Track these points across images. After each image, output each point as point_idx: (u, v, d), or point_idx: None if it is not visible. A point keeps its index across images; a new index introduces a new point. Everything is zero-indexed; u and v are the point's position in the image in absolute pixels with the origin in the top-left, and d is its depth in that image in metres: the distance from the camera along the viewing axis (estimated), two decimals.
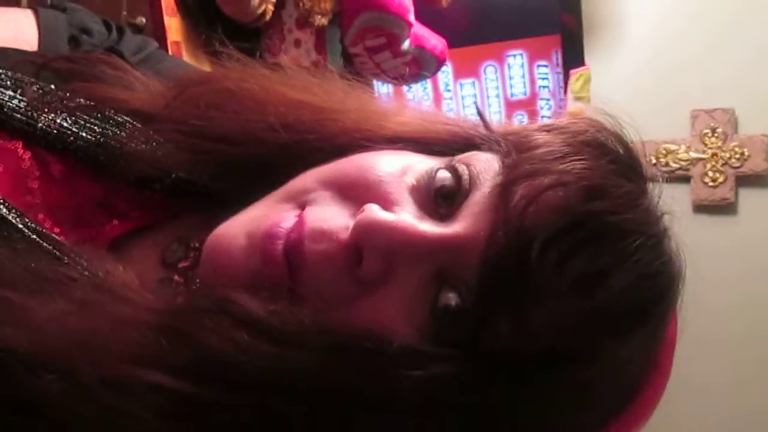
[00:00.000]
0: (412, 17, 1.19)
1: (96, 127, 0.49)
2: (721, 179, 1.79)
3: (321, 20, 1.14)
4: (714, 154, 1.79)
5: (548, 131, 0.43)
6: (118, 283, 0.40)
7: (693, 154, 1.80)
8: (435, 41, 1.25)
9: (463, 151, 0.44)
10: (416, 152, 0.45)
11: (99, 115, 0.49)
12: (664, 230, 0.42)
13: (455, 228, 0.39)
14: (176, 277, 0.46)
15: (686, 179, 1.80)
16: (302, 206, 0.41)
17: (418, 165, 0.43)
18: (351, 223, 0.39)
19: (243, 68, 0.51)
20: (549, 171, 0.39)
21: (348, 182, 0.41)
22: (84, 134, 0.48)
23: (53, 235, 0.44)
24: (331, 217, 0.40)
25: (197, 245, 0.47)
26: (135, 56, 0.58)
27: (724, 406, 1.75)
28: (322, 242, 0.39)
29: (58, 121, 0.48)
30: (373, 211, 0.39)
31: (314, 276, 0.39)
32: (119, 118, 0.49)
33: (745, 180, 1.78)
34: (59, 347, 0.36)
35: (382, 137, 0.46)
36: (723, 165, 1.79)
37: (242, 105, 0.48)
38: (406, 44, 1.21)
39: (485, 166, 0.41)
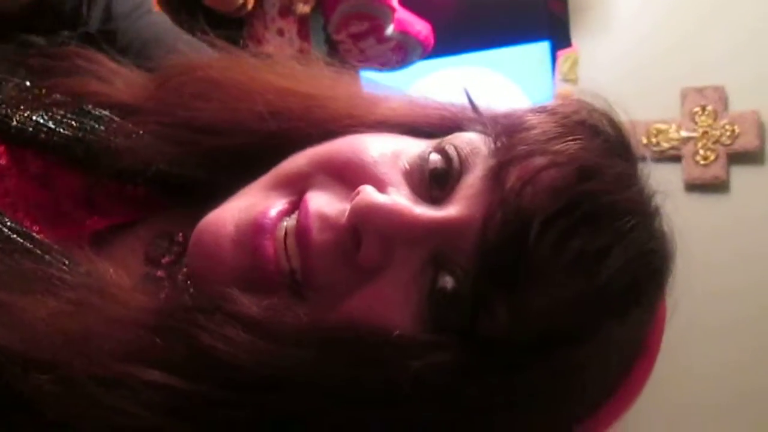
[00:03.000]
0: (395, 2, 1.18)
1: (74, 123, 0.48)
2: (712, 158, 1.78)
3: (304, 8, 1.13)
4: (705, 133, 1.78)
5: (539, 113, 0.43)
6: (108, 283, 0.40)
7: (684, 134, 1.79)
8: (419, 26, 1.25)
9: (451, 133, 0.44)
10: (406, 135, 0.45)
11: (77, 111, 0.48)
12: (655, 209, 0.42)
13: (450, 211, 0.39)
14: (160, 273, 0.45)
15: (678, 159, 1.79)
16: (298, 192, 0.41)
17: (410, 148, 0.42)
18: (347, 206, 0.39)
19: (227, 57, 0.51)
20: (544, 152, 0.39)
21: (342, 163, 0.41)
22: (61, 130, 0.47)
23: (33, 233, 0.43)
24: (330, 201, 0.40)
25: (181, 240, 0.46)
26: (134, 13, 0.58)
27: (716, 389, 1.74)
28: (325, 231, 0.39)
29: (35, 118, 0.47)
30: (369, 193, 0.38)
31: (318, 266, 0.38)
32: (97, 113, 0.49)
33: (737, 157, 1.78)
34: (52, 347, 0.36)
35: (371, 122, 0.46)
36: (714, 143, 1.78)
37: (228, 94, 0.47)
38: (390, 30, 1.20)
39: (473, 147, 0.41)
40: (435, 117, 0.47)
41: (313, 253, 0.38)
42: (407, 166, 0.41)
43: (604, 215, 0.38)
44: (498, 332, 0.37)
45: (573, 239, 0.37)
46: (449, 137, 0.42)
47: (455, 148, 0.41)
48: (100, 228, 0.48)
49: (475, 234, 0.38)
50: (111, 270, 0.41)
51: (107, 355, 0.36)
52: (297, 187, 0.41)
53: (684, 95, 1.79)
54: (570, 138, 0.40)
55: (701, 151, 1.79)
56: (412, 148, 0.42)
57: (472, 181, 0.40)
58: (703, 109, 1.78)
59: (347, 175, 0.41)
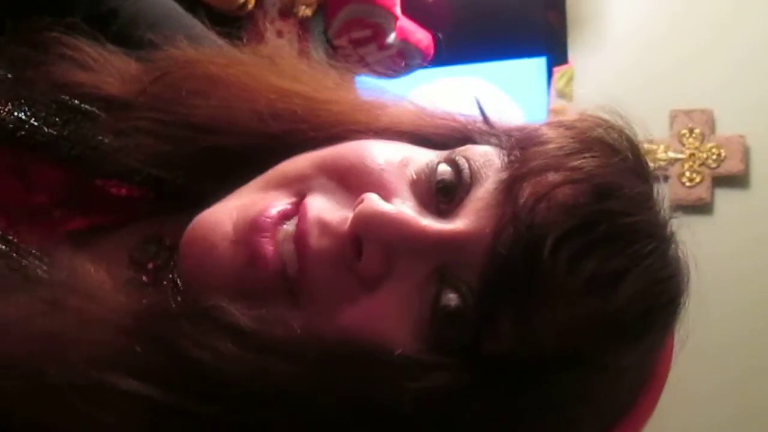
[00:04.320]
0: (398, 10, 1.18)
1: (58, 119, 0.46)
2: (698, 179, 1.80)
3: (305, 11, 1.13)
4: (692, 155, 1.80)
5: (556, 127, 0.41)
6: (88, 284, 0.38)
7: (671, 154, 1.81)
8: (420, 35, 1.25)
9: (461, 145, 0.42)
10: (413, 144, 0.43)
11: (62, 106, 0.46)
12: (671, 234, 0.41)
13: (457, 224, 0.37)
14: (144, 278, 0.43)
15: (664, 179, 1.81)
16: (298, 194, 0.39)
17: (417, 157, 0.41)
18: (350, 213, 0.37)
19: (228, 54, 0.49)
20: (559, 167, 0.37)
21: (346, 168, 0.39)
22: (45, 128, 0.45)
23: (9, 236, 0.41)
24: (331, 207, 0.38)
25: (168, 243, 0.44)
26: None
27: (700, 412, 1.75)
28: (325, 237, 0.37)
29: (16, 113, 0.45)
30: (373, 201, 0.37)
31: (315, 274, 0.36)
32: (84, 108, 0.46)
33: (722, 180, 1.79)
34: (26, 349, 0.34)
35: (378, 128, 0.44)
36: (700, 165, 1.80)
37: (228, 92, 0.45)
38: (391, 37, 1.20)
39: (485, 160, 0.40)
40: (444, 127, 0.45)
41: (311, 259, 0.36)
42: (414, 176, 0.39)
43: (621, 237, 0.36)
44: (503, 353, 0.36)
45: (588, 260, 0.35)
46: (461, 149, 0.41)
47: (467, 159, 0.39)
48: (80, 228, 0.46)
49: (483, 249, 0.36)
50: (92, 270, 0.38)
51: (83, 360, 0.34)
52: (296, 189, 0.39)
53: (673, 117, 1.80)
54: (587, 154, 0.38)
55: (687, 173, 1.80)
56: (420, 157, 0.41)
57: (482, 194, 0.38)
58: (691, 131, 1.80)
59: (351, 182, 0.39)
